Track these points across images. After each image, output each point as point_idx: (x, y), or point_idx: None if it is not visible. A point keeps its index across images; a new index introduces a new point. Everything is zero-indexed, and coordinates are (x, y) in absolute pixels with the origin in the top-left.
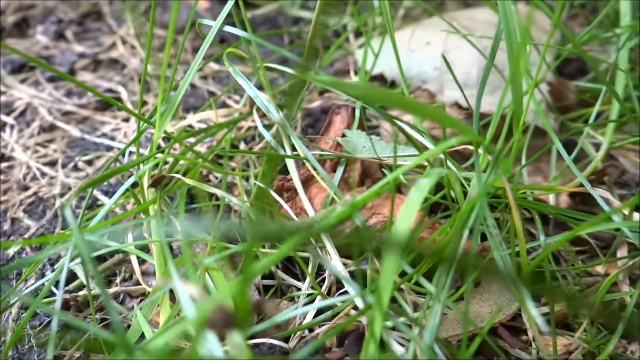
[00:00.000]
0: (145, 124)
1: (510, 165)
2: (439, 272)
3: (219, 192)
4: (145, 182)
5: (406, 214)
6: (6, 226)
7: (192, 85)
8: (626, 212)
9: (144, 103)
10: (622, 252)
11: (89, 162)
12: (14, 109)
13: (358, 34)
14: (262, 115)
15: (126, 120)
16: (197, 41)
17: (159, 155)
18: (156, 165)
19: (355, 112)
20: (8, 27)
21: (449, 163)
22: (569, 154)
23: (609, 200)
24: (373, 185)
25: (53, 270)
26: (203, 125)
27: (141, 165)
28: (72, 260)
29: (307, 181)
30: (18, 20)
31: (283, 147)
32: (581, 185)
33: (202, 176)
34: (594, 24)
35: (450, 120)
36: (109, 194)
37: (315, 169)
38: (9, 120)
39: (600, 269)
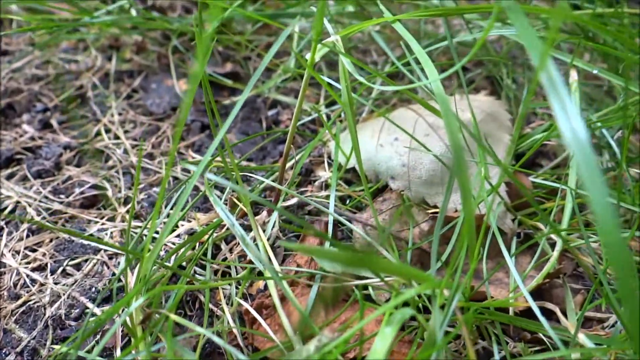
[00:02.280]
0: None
1: (470, 278)
2: None
3: (200, 330)
4: (135, 317)
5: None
6: None
7: (175, 178)
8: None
9: (127, 199)
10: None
11: (77, 266)
12: (3, 208)
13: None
14: (242, 216)
15: (112, 219)
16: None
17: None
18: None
19: (327, 226)
20: None
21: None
22: (528, 248)
23: (556, 314)
24: (346, 297)
25: None
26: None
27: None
28: None
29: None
30: (4, 107)
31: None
32: (536, 287)
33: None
34: (548, 135)
35: (410, 274)
36: (95, 300)
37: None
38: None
39: None
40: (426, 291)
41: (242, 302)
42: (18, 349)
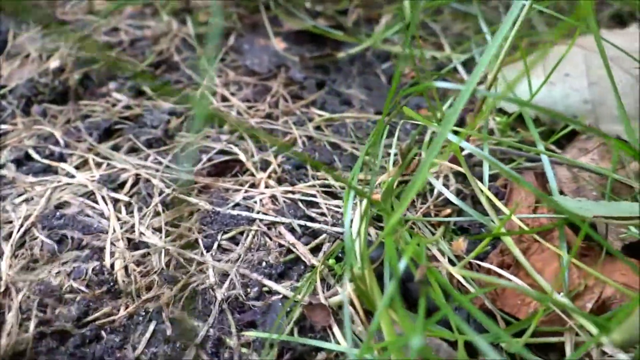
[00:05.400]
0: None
1: None
2: None
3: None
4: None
5: None
6: (169, 331)
7: (309, 137)
8: None
9: (263, 164)
10: None
11: (234, 240)
12: (122, 182)
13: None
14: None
15: (253, 185)
16: (289, 87)
17: None
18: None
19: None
20: (73, 87)
21: None
22: None
23: None
24: (598, 251)
25: None
26: None
27: None
28: None
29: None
30: (82, 78)
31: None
32: None
33: None
34: None
35: None
36: (272, 277)
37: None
38: (123, 197)
39: None
40: None
41: (481, 263)
42: (197, 341)
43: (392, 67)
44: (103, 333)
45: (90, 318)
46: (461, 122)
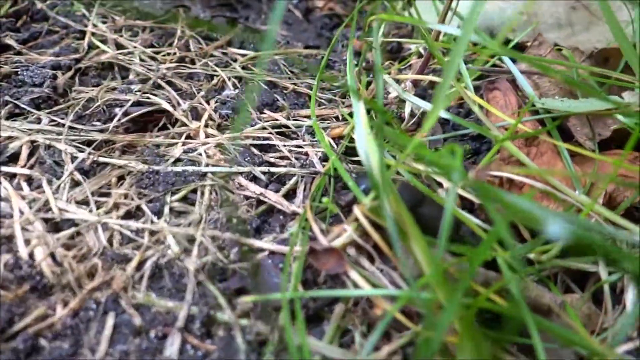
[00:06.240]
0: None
1: None
2: None
3: None
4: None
5: None
6: (137, 320)
7: (239, 78)
8: None
9: (194, 111)
10: None
11: (187, 200)
12: (14, 154)
13: None
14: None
15: (190, 137)
16: (196, 28)
17: None
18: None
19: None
20: None
21: None
22: None
23: None
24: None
25: None
26: None
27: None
28: None
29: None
30: None
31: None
32: None
33: None
34: None
35: None
36: (249, 233)
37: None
38: (21, 170)
39: None
40: None
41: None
42: (178, 324)
43: (304, 2)
44: (43, 341)
45: (18, 327)
46: (394, 49)
